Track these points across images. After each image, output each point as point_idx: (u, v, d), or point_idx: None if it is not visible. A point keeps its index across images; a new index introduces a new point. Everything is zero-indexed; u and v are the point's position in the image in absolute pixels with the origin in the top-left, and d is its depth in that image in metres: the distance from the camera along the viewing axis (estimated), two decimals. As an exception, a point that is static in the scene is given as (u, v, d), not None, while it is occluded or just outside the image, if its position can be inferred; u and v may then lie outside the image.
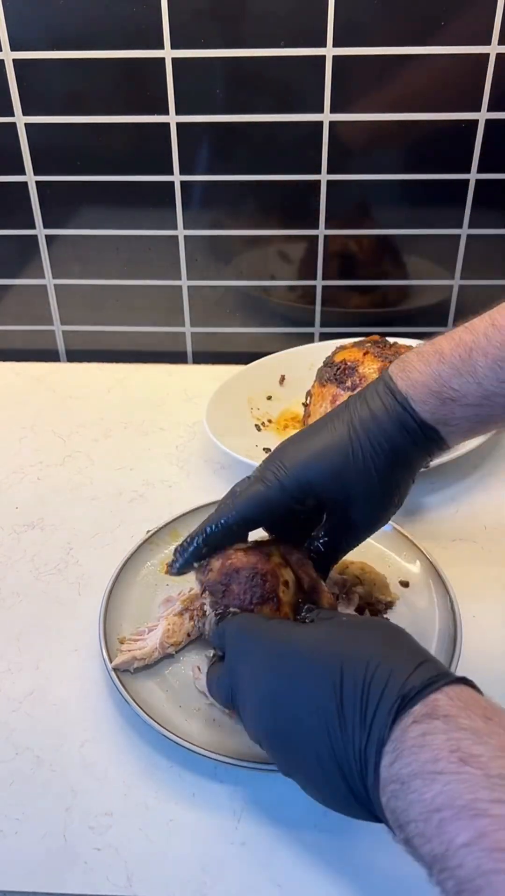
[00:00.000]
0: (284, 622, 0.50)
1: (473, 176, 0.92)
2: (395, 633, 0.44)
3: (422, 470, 0.56)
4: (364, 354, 0.82)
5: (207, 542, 0.55)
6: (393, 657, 0.40)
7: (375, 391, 0.53)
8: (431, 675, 0.38)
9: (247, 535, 0.56)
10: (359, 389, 0.79)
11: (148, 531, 0.72)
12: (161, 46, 0.85)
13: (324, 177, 0.93)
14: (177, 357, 1.08)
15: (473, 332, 0.49)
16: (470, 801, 0.32)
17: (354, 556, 0.68)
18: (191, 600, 0.63)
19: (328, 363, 0.85)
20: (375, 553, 0.70)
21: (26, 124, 0.92)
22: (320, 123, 0.89)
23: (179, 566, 0.56)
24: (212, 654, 0.56)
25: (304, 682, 0.42)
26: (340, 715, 0.39)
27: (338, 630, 0.45)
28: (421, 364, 0.51)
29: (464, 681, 0.39)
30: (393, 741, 0.36)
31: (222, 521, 0.54)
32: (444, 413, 0.50)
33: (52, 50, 0.86)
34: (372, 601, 0.64)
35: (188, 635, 0.62)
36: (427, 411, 0.50)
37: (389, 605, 0.65)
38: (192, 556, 0.55)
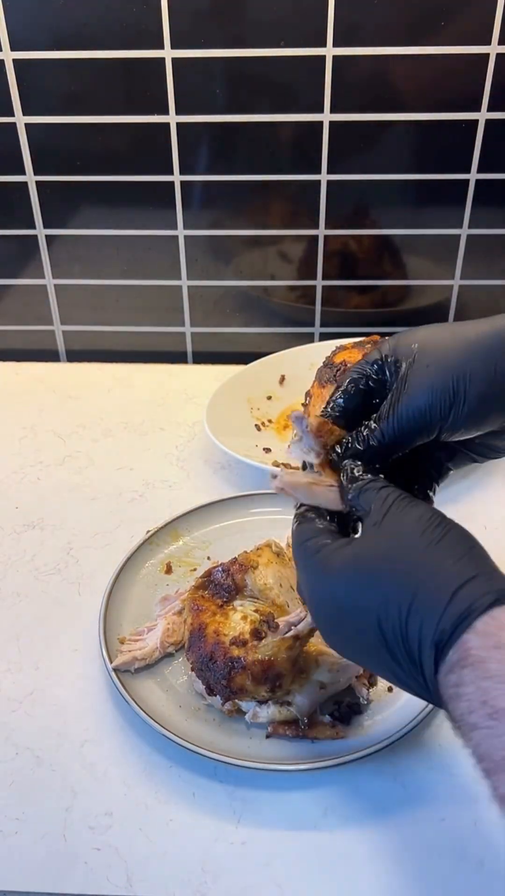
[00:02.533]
0: (326, 543, 0.43)
1: (473, 176, 0.92)
2: (439, 533, 0.40)
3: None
4: (364, 355, 0.82)
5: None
6: (425, 590, 0.37)
7: None
8: (464, 608, 0.35)
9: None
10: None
11: (148, 531, 0.72)
12: (161, 46, 0.85)
13: (324, 177, 0.93)
14: (177, 357, 1.08)
15: None
16: (503, 759, 0.32)
17: None
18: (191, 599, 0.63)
19: (328, 364, 0.84)
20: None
21: (26, 124, 0.92)
22: (320, 123, 0.89)
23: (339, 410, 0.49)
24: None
25: (352, 624, 0.40)
26: (394, 658, 0.38)
27: (374, 554, 0.40)
28: None
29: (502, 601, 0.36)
30: (441, 686, 0.36)
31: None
32: None
33: (52, 50, 0.86)
34: None
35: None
36: None
37: None
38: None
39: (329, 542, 0.43)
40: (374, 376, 0.48)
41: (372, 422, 0.46)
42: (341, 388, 0.49)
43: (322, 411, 0.50)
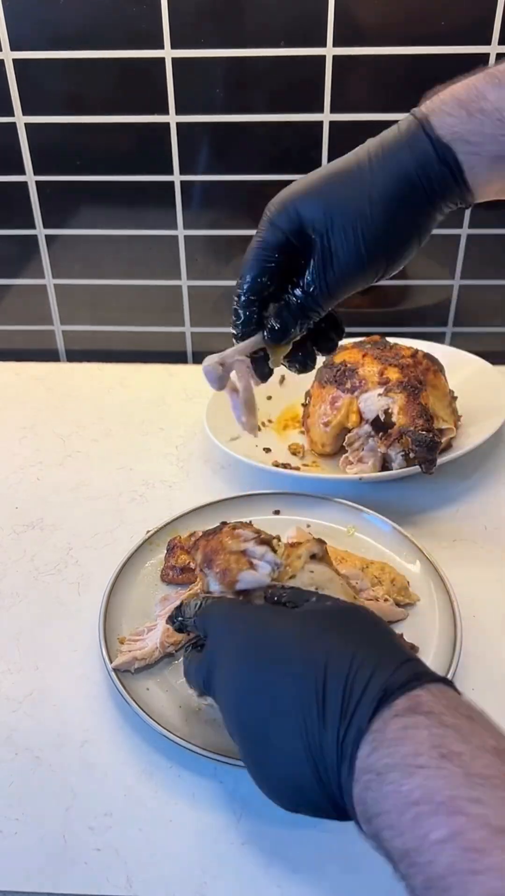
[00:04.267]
0: (266, 609, 0.48)
1: (473, 176, 0.92)
2: (379, 626, 0.43)
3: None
4: (364, 356, 0.82)
5: (245, 304, 0.53)
6: (378, 651, 0.39)
7: (397, 124, 0.49)
8: (415, 672, 0.37)
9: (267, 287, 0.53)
10: (358, 392, 0.80)
11: (148, 531, 0.72)
12: (161, 46, 0.85)
13: (324, 177, 0.93)
14: (177, 357, 1.08)
15: None
16: (449, 798, 0.31)
17: (375, 557, 0.68)
18: (191, 597, 0.63)
19: (328, 364, 0.85)
20: (376, 553, 0.70)
21: (26, 124, 0.92)
22: (320, 123, 0.89)
23: (240, 333, 0.55)
24: (189, 640, 0.54)
25: (285, 671, 0.41)
26: (321, 705, 0.38)
27: (323, 620, 0.43)
28: (450, 84, 0.47)
29: (445, 681, 0.38)
30: (372, 732, 0.35)
31: (247, 279, 0.52)
32: (468, 128, 0.45)
33: (52, 50, 0.86)
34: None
35: (188, 633, 0.62)
36: (446, 125, 0.45)
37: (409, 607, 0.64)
38: (245, 318, 0.54)
39: (265, 607, 0.47)
40: (280, 257, 0.51)
41: (300, 289, 0.50)
42: (252, 274, 0.52)
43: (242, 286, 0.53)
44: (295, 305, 0.52)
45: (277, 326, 0.53)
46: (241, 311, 0.54)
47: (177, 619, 0.51)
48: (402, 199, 0.47)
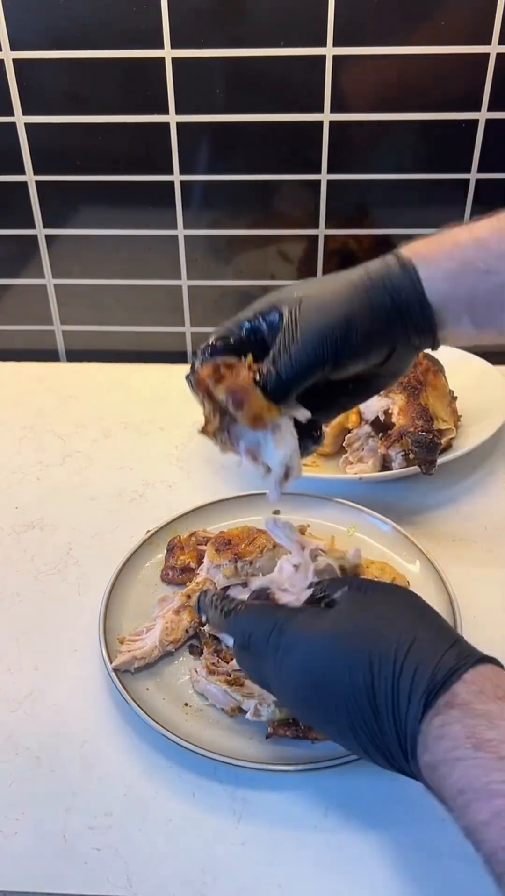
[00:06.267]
0: (301, 611, 0.48)
1: (473, 176, 0.92)
2: (420, 611, 0.44)
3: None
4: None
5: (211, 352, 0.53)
6: (419, 645, 0.41)
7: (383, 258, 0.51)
8: (454, 664, 0.39)
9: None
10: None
11: (148, 531, 0.72)
12: (161, 46, 0.85)
13: (324, 177, 0.93)
14: (177, 357, 1.08)
15: None
16: (485, 784, 0.34)
17: (375, 557, 0.68)
18: (188, 595, 0.63)
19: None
20: (376, 553, 0.70)
21: (26, 124, 0.92)
22: (320, 123, 0.89)
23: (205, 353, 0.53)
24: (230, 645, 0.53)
25: (335, 678, 0.42)
26: (375, 711, 0.40)
27: (362, 617, 0.44)
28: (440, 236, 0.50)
29: (489, 659, 0.40)
30: (422, 734, 0.38)
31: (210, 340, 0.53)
32: (456, 284, 0.48)
33: (52, 50, 0.86)
34: None
35: (186, 632, 0.62)
36: (437, 278, 0.48)
37: None
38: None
39: (303, 610, 0.48)
40: (251, 327, 0.52)
41: (265, 365, 0.49)
42: (218, 335, 0.52)
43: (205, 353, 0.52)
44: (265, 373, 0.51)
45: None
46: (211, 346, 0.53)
47: (199, 613, 0.54)
48: (370, 308, 0.49)
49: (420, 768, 0.39)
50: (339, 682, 0.42)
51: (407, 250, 0.50)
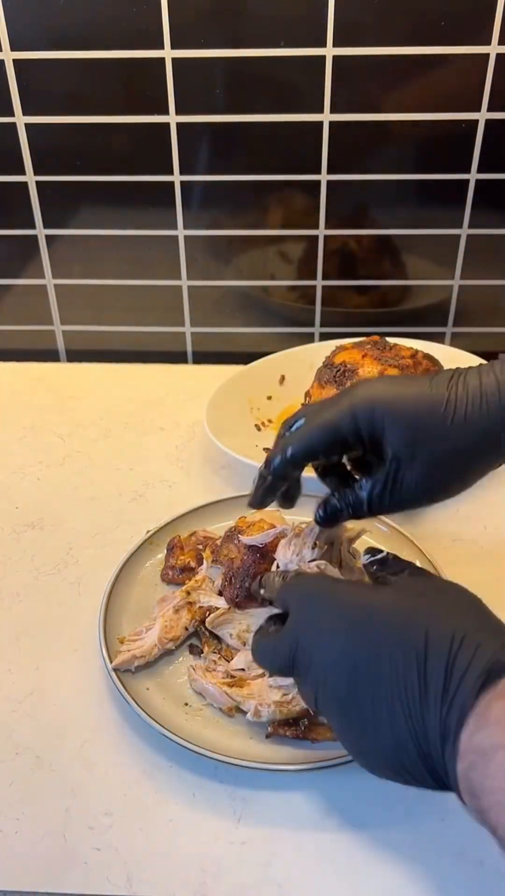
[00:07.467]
0: (357, 585, 0.48)
1: (473, 176, 0.92)
2: (477, 603, 0.43)
3: None
4: (363, 356, 0.82)
5: (274, 474, 0.52)
6: (479, 629, 0.39)
7: (494, 368, 0.50)
8: None
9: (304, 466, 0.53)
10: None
11: (148, 531, 0.72)
12: (161, 46, 0.85)
13: (324, 177, 0.93)
14: (177, 357, 1.08)
15: None
16: None
17: None
18: (188, 592, 0.64)
19: (328, 364, 0.84)
20: (375, 553, 0.70)
21: (26, 124, 0.92)
22: (320, 123, 0.89)
23: (256, 502, 0.54)
24: (265, 619, 0.52)
25: (384, 650, 0.40)
26: (422, 685, 0.38)
27: (420, 597, 0.43)
28: None
29: None
30: (476, 714, 0.36)
31: (298, 447, 0.51)
32: None
33: (52, 50, 0.86)
34: None
35: (185, 629, 0.62)
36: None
37: None
38: (264, 491, 0.53)
39: (360, 583, 0.48)
40: (337, 446, 0.51)
41: (364, 492, 0.51)
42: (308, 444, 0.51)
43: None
44: (353, 504, 0.52)
45: (326, 513, 0.53)
46: (270, 476, 0.52)
47: (259, 594, 0.55)
48: (484, 453, 0.48)
49: (458, 755, 0.36)
50: (387, 654, 0.40)
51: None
